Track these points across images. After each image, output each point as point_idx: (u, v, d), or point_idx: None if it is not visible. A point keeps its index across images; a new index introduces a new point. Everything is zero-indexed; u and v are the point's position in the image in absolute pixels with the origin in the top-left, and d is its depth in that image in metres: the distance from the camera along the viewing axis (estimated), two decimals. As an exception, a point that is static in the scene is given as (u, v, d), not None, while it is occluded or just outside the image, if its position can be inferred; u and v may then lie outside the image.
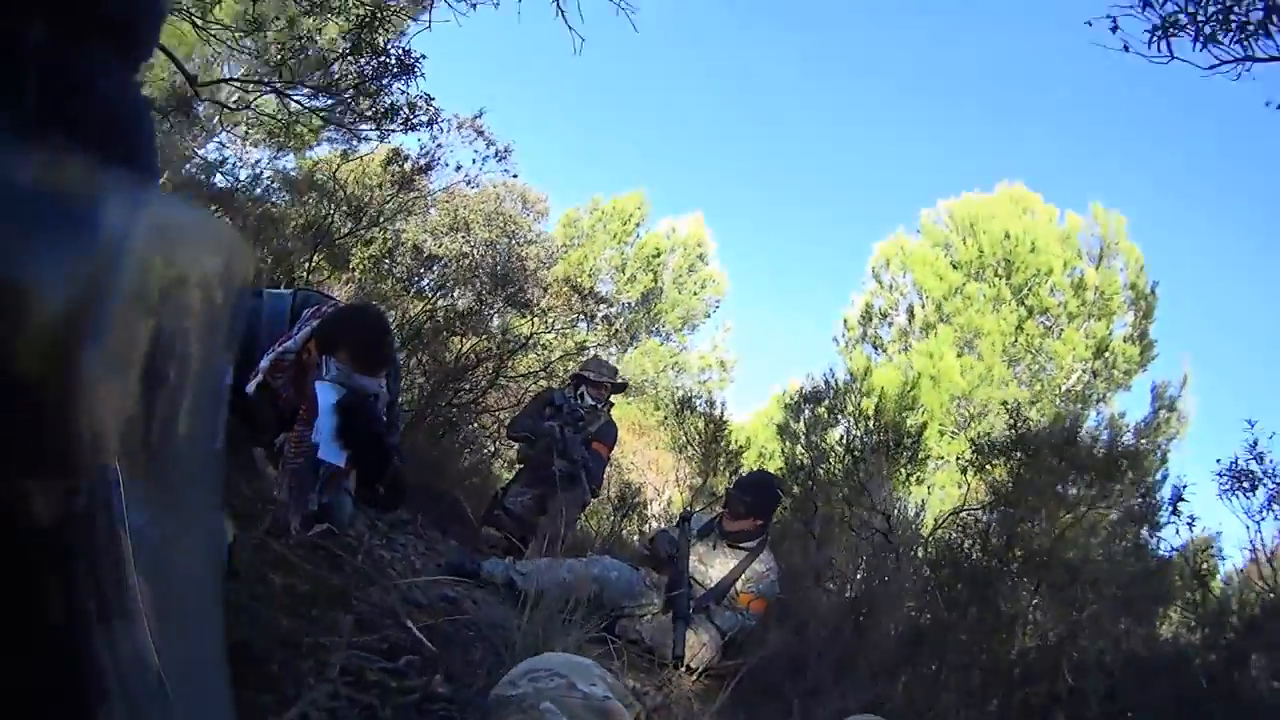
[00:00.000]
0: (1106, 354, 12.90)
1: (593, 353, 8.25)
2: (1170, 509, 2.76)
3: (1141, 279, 13.57)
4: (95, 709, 0.29)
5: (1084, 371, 12.88)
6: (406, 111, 5.32)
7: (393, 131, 5.74)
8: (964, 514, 3.85)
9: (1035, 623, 2.84)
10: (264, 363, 2.54)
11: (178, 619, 0.34)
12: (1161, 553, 3.78)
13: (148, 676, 0.30)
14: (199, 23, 4.74)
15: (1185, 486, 2.80)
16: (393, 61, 5.08)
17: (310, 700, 1.46)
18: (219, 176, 6.28)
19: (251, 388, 2.51)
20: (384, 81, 5.19)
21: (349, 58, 5.22)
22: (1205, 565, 3.58)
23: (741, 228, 39.59)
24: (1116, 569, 3.16)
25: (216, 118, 8.09)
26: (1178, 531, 2.97)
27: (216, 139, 8.43)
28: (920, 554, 3.85)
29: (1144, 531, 3.93)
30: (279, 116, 7.76)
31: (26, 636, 0.28)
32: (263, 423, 2.61)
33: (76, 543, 0.29)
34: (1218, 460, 3.44)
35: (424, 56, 5.20)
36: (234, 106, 6.65)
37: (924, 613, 3.35)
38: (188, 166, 7.26)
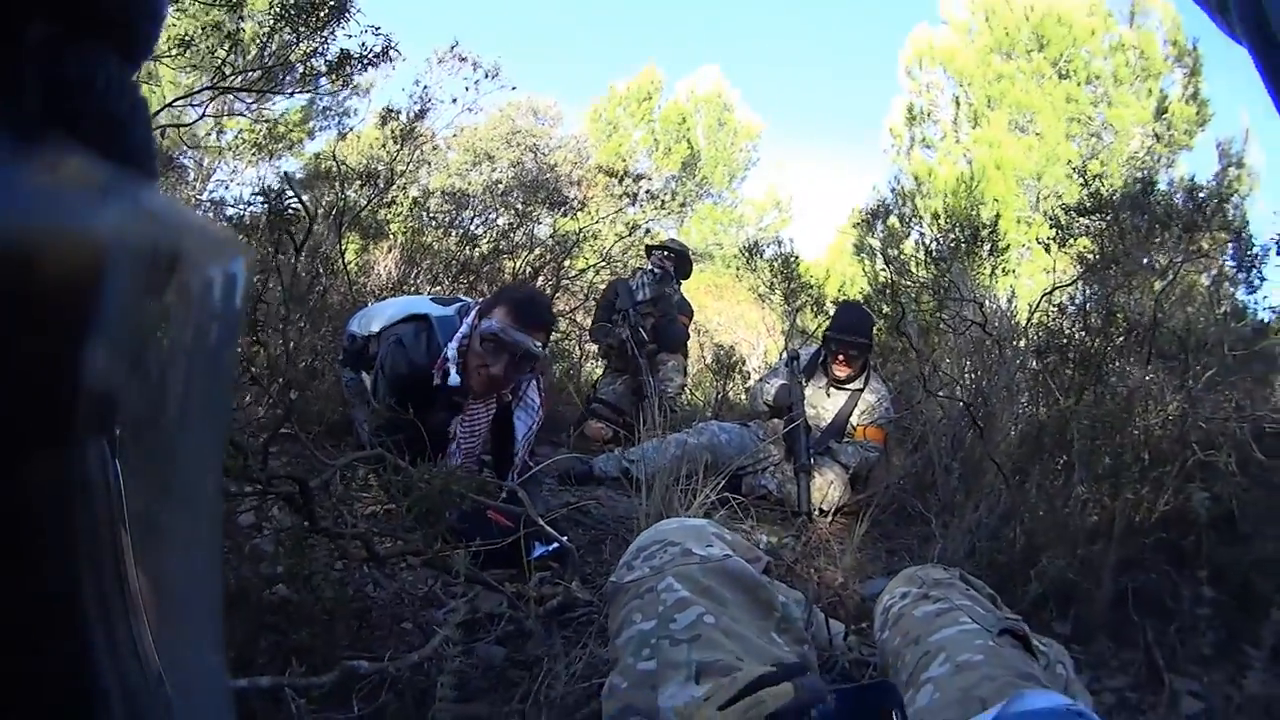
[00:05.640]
0: (1165, 115, 12.24)
1: (645, 229, 8.22)
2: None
3: (1181, 36, 12.76)
4: (93, 709, 0.29)
5: (1145, 136, 12.28)
6: (358, 51, 5.09)
7: (353, 76, 5.61)
8: (1055, 293, 3.73)
9: (1153, 397, 2.77)
10: (450, 351, 2.68)
11: (178, 615, 0.34)
12: (1262, 316, 3.60)
13: (148, 676, 0.31)
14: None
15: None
16: (325, 10, 4.84)
17: (445, 637, 1.51)
18: (229, 209, 6.27)
19: (455, 379, 2.64)
20: (323, 33, 4.99)
21: (278, 29, 5.07)
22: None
23: (762, 69, 38.41)
24: (1223, 333, 3.03)
25: (204, 159, 8.17)
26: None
27: (213, 179, 8.64)
28: (1022, 344, 3.77)
29: (1240, 294, 3.75)
30: (254, 125, 7.83)
31: (22, 635, 0.28)
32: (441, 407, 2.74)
33: (74, 539, 0.29)
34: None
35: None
36: (195, 121, 6.61)
37: (1038, 405, 3.30)
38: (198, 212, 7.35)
